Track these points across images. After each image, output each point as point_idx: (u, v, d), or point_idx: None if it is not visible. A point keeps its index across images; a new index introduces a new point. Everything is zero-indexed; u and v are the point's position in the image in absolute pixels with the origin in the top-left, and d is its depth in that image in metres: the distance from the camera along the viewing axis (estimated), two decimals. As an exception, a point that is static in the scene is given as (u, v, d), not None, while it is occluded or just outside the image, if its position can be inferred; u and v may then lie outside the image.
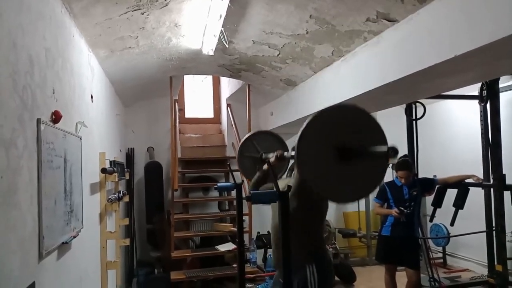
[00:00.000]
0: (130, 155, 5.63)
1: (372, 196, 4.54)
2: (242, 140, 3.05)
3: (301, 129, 1.59)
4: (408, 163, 4.07)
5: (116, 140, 4.54)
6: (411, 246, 4.00)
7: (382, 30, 2.81)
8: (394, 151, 1.48)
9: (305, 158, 1.58)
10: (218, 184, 2.80)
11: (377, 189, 4.61)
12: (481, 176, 4.82)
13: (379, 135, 1.65)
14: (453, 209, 3.92)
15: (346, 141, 1.59)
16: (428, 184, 4.14)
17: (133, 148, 5.71)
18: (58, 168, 2.01)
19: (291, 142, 2.64)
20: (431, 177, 4.76)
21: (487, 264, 5.01)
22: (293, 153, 2.20)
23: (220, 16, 2.98)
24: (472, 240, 5.24)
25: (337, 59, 3.46)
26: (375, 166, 1.62)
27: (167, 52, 3.79)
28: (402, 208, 3.90)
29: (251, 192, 1.88)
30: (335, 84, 3.60)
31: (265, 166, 2.61)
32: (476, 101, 4.98)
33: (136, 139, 5.80)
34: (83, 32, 2.68)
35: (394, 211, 3.95)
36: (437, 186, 4.11)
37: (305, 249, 2.23)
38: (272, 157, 2.54)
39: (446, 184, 4.14)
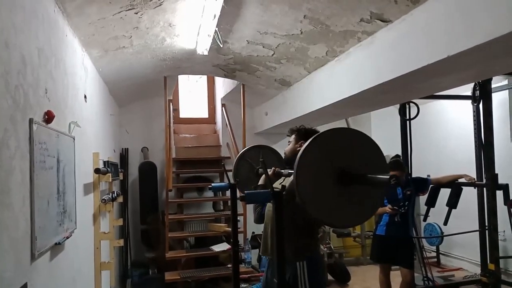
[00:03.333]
0: (124, 156, 5.61)
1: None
2: (236, 160, 2.98)
3: (299, 155, 1.54)
4: (400, 163, 4.09)
5: (110, 140, 4.52)
6: (405, 245, 4.02)
7: (376, 31, 2.81)
8: (397, 180, 1.40)
9: (304, 185, 1.52)
10: (213, 184, 2.79)
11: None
12: (474, 175, 4.86)
13: (380, 161, 1.61)
14: (447, 208, 3.94)
15: (346, 165, 1.53)
16: (421, 184, 4.17)
17: (127, 149, 5.69)
18: (51, 169, 2.00)
19: (285, 141, 2.66)
20: (425, 176, 4.80)
21: (480, 263, 5.06)
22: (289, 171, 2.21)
23: (214, 16, 2.97)
24: (465, 239, 5.27)
25: (332, 59, 3.47)
26: (373, 191, 1.59)
27: (161, 52, 3.78)
28: (396, 208, 3.92)
29: (245, 192, 1.88)
30: (329, 84, 3.61)
31: (261, 181, 2.54)
32: (469, 101, 5.03)
33: (130, 139, 5.78)
34: (76, 31, 2.66)
35: (388, 207, 3.98)
36: (430, 185, 4.13)
37: (296, 246, 2.23)
38: (270, 172, 2.49)
39: (440, 184, 4.17)
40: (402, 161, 4.24)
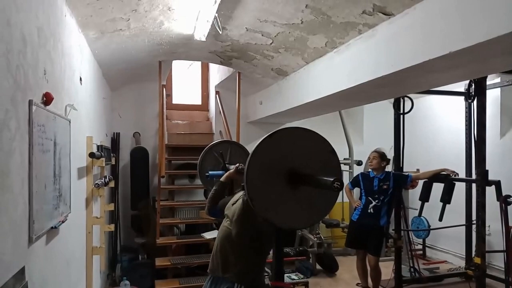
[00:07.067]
0: (115, 140, 5.55)
1: (357, 190, 4.67)
2: (203, 152, 2.95)
3: (250, 154, 1.50)
4: (379, 150, 4.43)
5: (102, 124, 4.45)
6: (374, 234, 4.27)
7: (377, 23, 2.81)
8: (339, 183, 1.33)
9: (254, 184, 1.48)
10: (210, 172, 2.78)
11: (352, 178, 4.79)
12: (463, 170, 4.95)
13: (333, 164, 1.58)
14: (436, 203, 4.01)
15: (297, 164, 1.50)
16: (401, 179, 4.31)
17: (119, 133, 5.62)
18: (48, 152, 1.96)
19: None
20: (414, 170, 4.91)
21: (464, 256, 5.18)
22: None
23: (215, 2, 2.93)
24: (450, 233, 5.38)
25: (330, 50, 3.46)
26: (324, 194, 1.53)
27: (158, 36, 3.72)
28: (358, 205, 4.38)
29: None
30: (326, 76, 3.60)
31: (222, 178, 2.49)
32: (460, 98, 5.09)
33: (122, 123, 5.71)
34: (74, 11, 2.60)
35: (357, 203, 4.43)
36: (423, 181, 4.21)
37: (241, 267, 2.14)
38: (232, 169, 2.45)
39: (419, 179, 4.35)
40: (383, 152, 4.44)
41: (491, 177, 3.78)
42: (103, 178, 3.62)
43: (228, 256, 2.14)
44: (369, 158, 4.51)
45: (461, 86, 4.89)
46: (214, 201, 2.43)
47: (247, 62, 4.45)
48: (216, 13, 3.11)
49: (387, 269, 4.47)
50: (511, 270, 3.68)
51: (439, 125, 6.17)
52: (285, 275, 4.31)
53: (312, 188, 1.48)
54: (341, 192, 6.27)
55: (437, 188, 4.05)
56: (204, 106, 6.71)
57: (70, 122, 2.46)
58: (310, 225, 5.20)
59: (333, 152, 1.59)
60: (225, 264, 2.15)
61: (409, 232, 4.94)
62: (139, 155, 5.50)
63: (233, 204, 2.24)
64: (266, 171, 1.49)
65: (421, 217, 5.17)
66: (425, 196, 4.02)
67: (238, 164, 2.45)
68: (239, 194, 2.27)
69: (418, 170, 5.26)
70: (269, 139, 1.51)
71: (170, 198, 5.55)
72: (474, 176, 4.42)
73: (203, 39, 3.74)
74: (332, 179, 1.32)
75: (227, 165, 2.68)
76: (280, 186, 1.49)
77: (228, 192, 2.53)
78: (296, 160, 1.51)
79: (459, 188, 4.55)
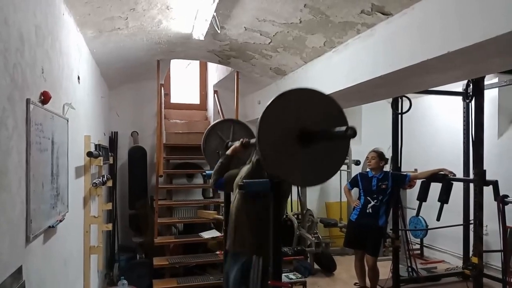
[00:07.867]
0: (113, 139, 5.53)
1: (356, 190, 4.67)
2: (207, 130, 2.97)
3: (261, 113, 1.55)
4: (378, 150, 4.42)
5: (100, 123, 4.44)
6: (372, 234, 4.25)
7: (375, 23, 2.81)
8: (353, 130, 1.39)
9: (266, 142, 1.54)
10: (207, 171, 2.78)
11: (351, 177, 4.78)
12: (460, 171, 4.96)
13: (340, 117, 1.65)
14: (433, 203, 4.01)
15: (307, 124, 1.56)
16: (399, 179, 4.31)
17: (117, 132, 5.61)
18: (46, 151, 1.96)
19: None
20: (412, 170, 4.91)
21: (461, 256, 5.20)
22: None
23: (214, 1, 2.93)
24: (447, 232, 5.40)
25: (329, 50, 3.46)
26: (336, 148, 1.61)
27: (156, 35, 3.71)
28: (357, 205, 4.35)
29: (244, 181, 1.88)
30: (325, 75, 3.60)
31: (229, 151, 2.54)
32: (458, 98, 5.10)
33: (120, 122, 5.69)
34: (72, 10, 2.59)
35: (355, 203, 4.41)
36: (421, 181, 4.21)
37: (255, 240, 2.17)
38: (237, 143, 2.50)
39: (417, 179, 4.33)
40: (382, 152, 4.43)
41: (488, 177, 3.79)
42: (101, 177, 3.61)
43: (243, 230, 2.20)
44: (367, 158, 4.51)
45: (459, 86, 4.90)
46: (220, 174, 2.49)
47: (246, 61, 4.45)
48: (215, 12, 3.11)
49: (385, 268, 4.48)
50: (508, 270, 3.69)
51: (437, 125, 6.17)
52: (283, 274, 4.32)
53: (323, 146, 1.54)
54: (339, 192, 6.27)
55: (435, 188, 4.05)
56: (203, 105, 6.70)
57: (68, 121, 2.46)
58: (322, 182, 5.23)
59: (341, 111, 1.65)
60: (241, 238, 2.21)
61: (407, 231, 4.95)
62: (137, 154, 5.49)
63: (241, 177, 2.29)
64: (278, 131, 1.53)
65: (419, 217, 5.20)
66: (423, 196, 4.02)
67: (242, 138, 2.50)
68: (246, 168, 2.33)
69: (416, 170, 5.27)
70: (278, 100, 1.55)
71: (168, 198, 5.54)
72: (471, 176, 4.44)
73: (202, 38, 3.73)
74: (345, 128, 1.38)
75: (229, 143, 2.71)
76: (292, 145, 1.53)
77: (233, 164, 2.58)
78: (306, 120, 1.55)
79: (457, 188, 4.56)
